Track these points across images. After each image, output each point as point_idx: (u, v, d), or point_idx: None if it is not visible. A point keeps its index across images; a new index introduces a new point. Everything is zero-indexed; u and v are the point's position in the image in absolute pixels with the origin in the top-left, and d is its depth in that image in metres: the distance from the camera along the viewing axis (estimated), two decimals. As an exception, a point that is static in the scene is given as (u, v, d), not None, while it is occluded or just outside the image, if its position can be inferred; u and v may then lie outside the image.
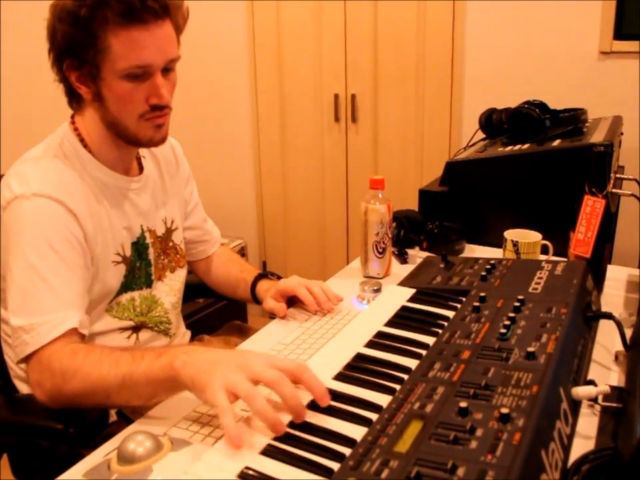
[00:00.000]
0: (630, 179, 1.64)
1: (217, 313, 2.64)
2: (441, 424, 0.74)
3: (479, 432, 0.72)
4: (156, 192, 1.28)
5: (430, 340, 0.99)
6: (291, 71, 2.91)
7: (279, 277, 1.36)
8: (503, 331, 0.95)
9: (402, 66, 2.68)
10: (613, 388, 0.89)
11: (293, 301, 1.28)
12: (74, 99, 1.14)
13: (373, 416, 0.80)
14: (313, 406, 0.83)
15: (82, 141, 1.14)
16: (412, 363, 0.92)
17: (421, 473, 0.66)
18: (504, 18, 2.45)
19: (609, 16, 2.27)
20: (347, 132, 2.87)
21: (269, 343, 1.12)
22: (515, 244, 1.39)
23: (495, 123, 1.92)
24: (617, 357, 1.05)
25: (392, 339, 1.02)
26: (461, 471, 0.66)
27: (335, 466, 0.71)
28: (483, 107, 2.00)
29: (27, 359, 0.99)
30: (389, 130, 2.78)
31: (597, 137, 1.62)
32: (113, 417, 1.13)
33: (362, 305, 1.26)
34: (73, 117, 1.17)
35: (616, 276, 1.40)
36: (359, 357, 0.97)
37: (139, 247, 1.22)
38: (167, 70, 1.10)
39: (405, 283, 1.25)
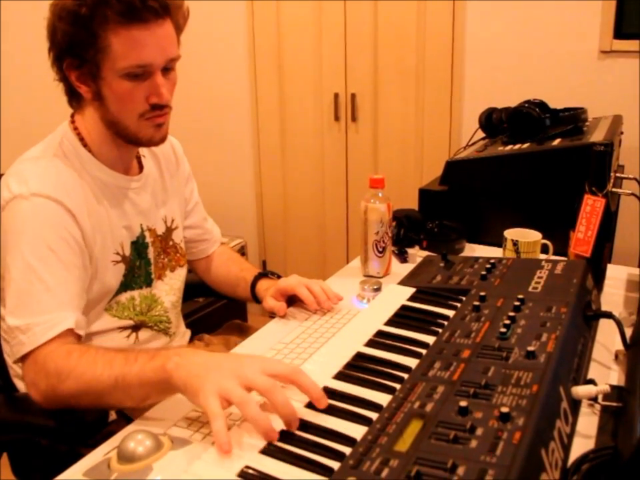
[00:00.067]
0: (630, 178, 1.64)
1: (216, 312, 2.64)
2: (441, 423, 0.74)
3: (479, 431, 0.72)
4: (156, 191, 1.28)
5: (430, 339, 0.99)
6: (290, 70, 2.91)
7: (279, 276, 1.36)
8: (503, 330, 0.95)
9: (402, 65, 2.67)
10: (612, 387, 0.89)
11: (292, 300, 1.28)
12: (74, 98, 1.14)
13: (373, 415, 0.80)
14: (313, 405, 0.83)
15: (82, 140, 1.14)
16: (412, 362, 0.92)
17: (421, 472, 0.66)
18: (504, 18, 2.45)
19: (609, 15, 2.27)
20: (347, 131, 2.87)
21: (268, 342, 1.12)
22: (515, 243, 1.39)
23: (495, 122, 1.92)
24: (616, 356, 1.05)
25: (392, 338, 1.02)
26: (460, 470, 0.66)
27: (335, 465, 0.71)
28: (482, 106, 2.00)
29: (23, 359, 0.99)
30: (389, 129, 2.78)
31: (597, 136, 1.62)
32: (113, 415, 1.13)
33: (362, 304, 1.26)
34: (72, 116, 1.17)
35: (616, 275, 1.40)
36: (359, 356, 0.97)
37: (139, 246, 1.22)
38: (167, 69, 1.10)
39: (404, 282, 1.25)
